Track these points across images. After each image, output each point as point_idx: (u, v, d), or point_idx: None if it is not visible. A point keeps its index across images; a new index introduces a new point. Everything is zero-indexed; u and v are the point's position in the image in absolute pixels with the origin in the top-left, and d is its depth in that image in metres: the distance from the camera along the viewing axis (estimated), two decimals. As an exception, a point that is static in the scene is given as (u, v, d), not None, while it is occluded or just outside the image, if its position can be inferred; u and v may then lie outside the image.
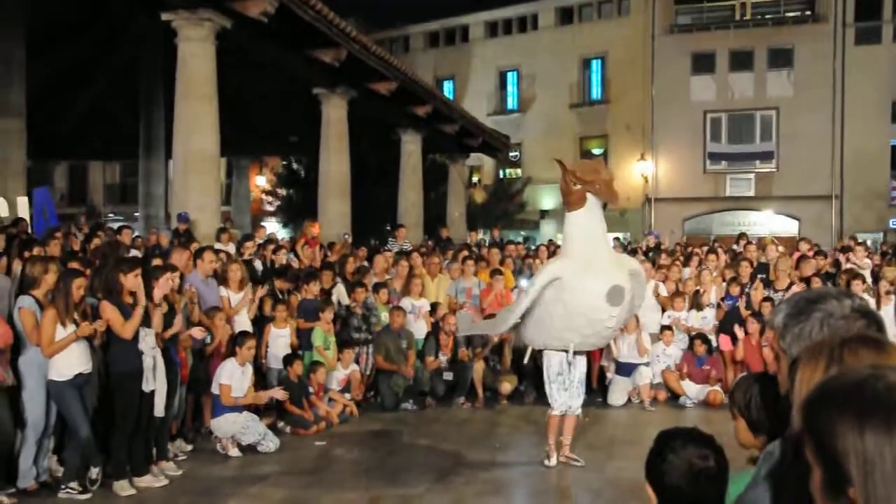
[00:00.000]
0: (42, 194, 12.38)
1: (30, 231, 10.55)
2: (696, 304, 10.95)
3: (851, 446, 1.12)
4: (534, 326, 7.16)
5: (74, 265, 7.20)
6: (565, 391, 7.17)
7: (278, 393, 8.49)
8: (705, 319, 10.89)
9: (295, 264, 11.13)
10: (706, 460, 1.98)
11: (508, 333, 10.46)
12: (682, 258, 13.03)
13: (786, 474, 1.58)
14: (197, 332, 7.71)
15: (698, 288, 11.23)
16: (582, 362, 7.31)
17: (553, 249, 13.68)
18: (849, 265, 11.80)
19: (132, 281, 6.59)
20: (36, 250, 7.77)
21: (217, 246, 10.16)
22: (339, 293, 10.70)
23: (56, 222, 12.13)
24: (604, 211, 6.93)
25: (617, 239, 19.55)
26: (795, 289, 10.52)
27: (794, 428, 1.34)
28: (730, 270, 11.76)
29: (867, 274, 11.11)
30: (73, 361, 6.34)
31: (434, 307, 11.00)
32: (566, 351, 7.02)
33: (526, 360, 8.25)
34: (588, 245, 6.79)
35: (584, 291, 6.67)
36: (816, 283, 10.65)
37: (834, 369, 1.39)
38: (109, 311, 6.51)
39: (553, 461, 7.24)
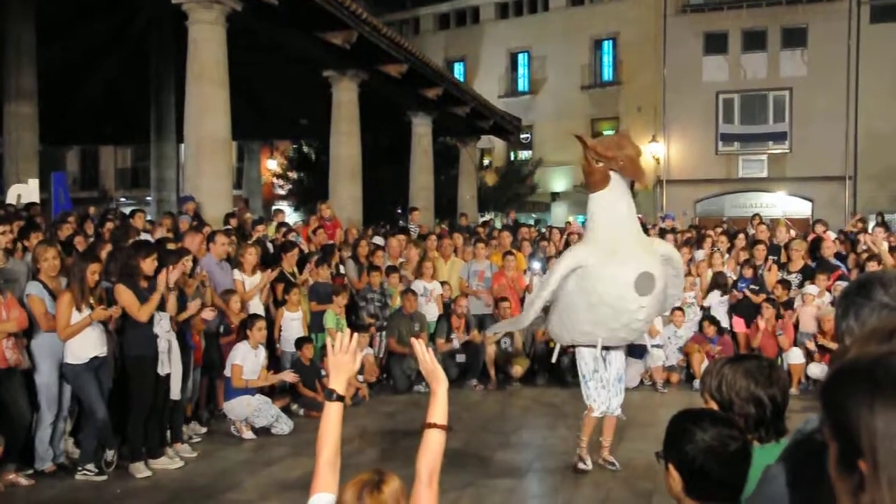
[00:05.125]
0: (59, 179, 12.45)
1: (40, 216, 10.60)
2: (716, 285, 10.86)
3: (863, 422, 1.13)
4: (558, 321, 6.62)
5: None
6: (604, 389, 6.53)
7: (288, 375, 8.53)
8: (713, 299, 10.81)
9: (303, 247, 11.14)
10: (736, 441, 1.97)
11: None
12: (692, 239, 12.96)
13: (806, 450, 1.58)
14: (208, 313, 7.73)
15: (720, 270, 11.12)
16: (619, 358, 6.64)
17: (568, 232, 13.67)
18: (865, 246, 11.70)
19: (150, 265, 6.63)
20: (36, 235, 7.76)
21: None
22: (349, 271, 10.78)
23: (70, 207, 12.19)
24: (631, 191, 6.33)
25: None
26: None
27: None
28: (744, 252, 11.70)
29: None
30: (88, 345, 6.41)
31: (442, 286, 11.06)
32: (594, 346, 6.46)
33: (554, 359, 7.64)
34: (613, 229, 6.19)
35: (609, 280, 6.11)
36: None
37: None
38: (125, 294, 6.55)
39: (588, 464, 6.64)
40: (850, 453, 1.15)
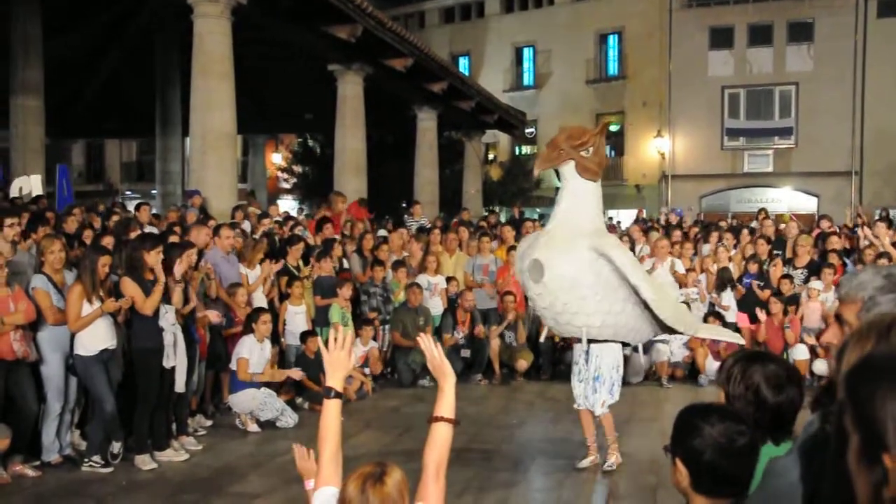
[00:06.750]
0: (63, 171, 12.49)
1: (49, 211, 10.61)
2: (722, 281, 10.81)
3: (890, 414, 1.13)
4: None
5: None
6: (580, 384, 6.59)
7: (295, 373, 8.55)
8: (730, 301, 10.76)
9: (309, 241, 11.14)
10: (743, 436, 1.98)
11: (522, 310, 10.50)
12: (697, 235, 12.92)
13: (816, 444, 1.58)
14: (213, 317, 7.78)
15: (726, 266, 11.07)
16: (602, 356, 6.47)
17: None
18: (867, 241, 11.66)
19: (154, 258, 6.65)
20: (44, 229, 7.79)
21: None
22: (353, 265, 10.79)
23: (71, 199, 12.22)
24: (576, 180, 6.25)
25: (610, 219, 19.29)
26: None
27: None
28: (750, 247, 11.67)
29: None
30: (98, 337, 6.43)
31: (447, 281, 11.03)
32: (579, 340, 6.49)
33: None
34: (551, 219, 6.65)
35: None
36: (834, 259, 10.61)
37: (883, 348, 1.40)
38: (131, 287, 6.57)
39: (584, 463, 6.66)
40: (875, 447, 1.14)
